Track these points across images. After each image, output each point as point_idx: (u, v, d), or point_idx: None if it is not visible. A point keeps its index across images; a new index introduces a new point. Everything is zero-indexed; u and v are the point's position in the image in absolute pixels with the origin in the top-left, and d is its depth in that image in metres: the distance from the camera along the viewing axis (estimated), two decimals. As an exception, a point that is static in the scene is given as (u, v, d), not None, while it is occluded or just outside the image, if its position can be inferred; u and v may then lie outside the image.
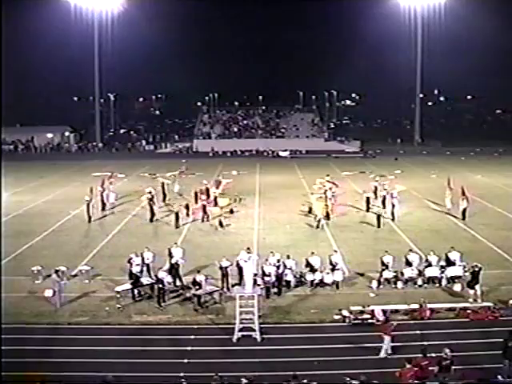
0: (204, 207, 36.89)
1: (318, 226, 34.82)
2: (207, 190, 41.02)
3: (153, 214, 37.24)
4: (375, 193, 41.99)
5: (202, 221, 36.42)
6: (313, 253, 25.82)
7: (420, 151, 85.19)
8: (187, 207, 38.25)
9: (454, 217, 37.23)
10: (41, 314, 21.95)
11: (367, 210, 39.21)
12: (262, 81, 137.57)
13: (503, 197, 44.82)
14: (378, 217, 35.50)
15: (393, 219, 36.21)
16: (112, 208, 41.21)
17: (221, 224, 35.27)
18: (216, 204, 38.85)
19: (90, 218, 37.05)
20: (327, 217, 36.04)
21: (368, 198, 39.94)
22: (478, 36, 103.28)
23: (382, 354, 18.52)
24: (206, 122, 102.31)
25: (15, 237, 32.61)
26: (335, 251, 26.70)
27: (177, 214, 35.63)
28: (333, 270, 24.79)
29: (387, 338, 18.66)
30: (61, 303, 22.54)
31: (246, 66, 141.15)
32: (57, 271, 23.48)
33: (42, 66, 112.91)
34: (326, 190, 39.88)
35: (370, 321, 20.87)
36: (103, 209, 40.18)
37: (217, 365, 17.55)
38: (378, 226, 35.03)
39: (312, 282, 24.43)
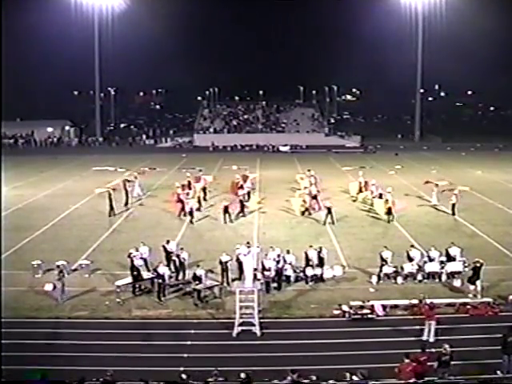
0: (242, 202, 37.10)
1: (325, 223, 34.53)
2: (241, 185, 41.26)
3: (183, 209, 36.67)
4: (361, 189, 41.88)
5: (237, 216, 36.32)
6: (311, 246, 25.81)
7: (420, 147, 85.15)
8: (199, 201, 38.55)
9: (444, 211, 37.39)
10: (41, 308, 21.99)
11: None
12: (263, 75, 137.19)
13: (503, 192, 44.83)
14: (389, 211, 35.37)
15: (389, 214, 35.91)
16: (136, 201, 41.16)
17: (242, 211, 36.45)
18: (249, 199, 38.91)
19: (111, 211, 36.95)
20: (304, 213, 36.21)
21: (381, 195, 39.46)
22: (479, 31, 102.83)
23: (432, 339, 18.76)
24: (207, 116, 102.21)
25: (15, 231, 32.61)
26: (310, 246, 26.10)
27: (191, 210, 35.56)
28: (318, 265, 24.82)
29: (433, 323, 18.88)
30: (63, 298, 22.48)
31: (246, 60, 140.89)
32: (59, 267, 23.35)
33: (42, 60, 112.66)
34: (309, 186, 40.37)
35: (369, 316, 20.91)
36: (126, 203, 39.94)
37: (216, 359, 17.58)
38: (388, 222, 34.92)
39: (311, 276, 24.46)
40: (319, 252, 25.47)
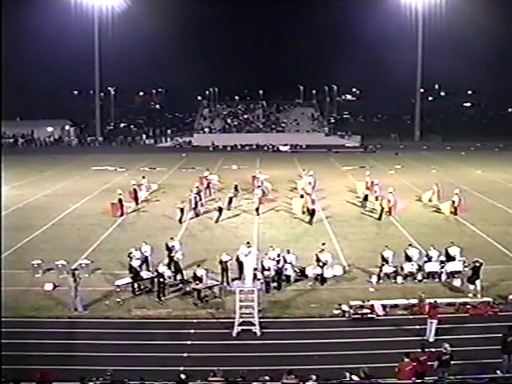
0: (260, 201, 37.77)
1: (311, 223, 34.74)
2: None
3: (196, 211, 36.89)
4: (368, 188, 41.86)
5: (258, 213, 36.85)
6: (322, 250, 25.36)
7: (420, 146, 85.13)
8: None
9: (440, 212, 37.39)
10: (41, 307, 21.96)
11: (363, 207, 39.23)
12: (263, 75, 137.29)
13: (503, 192, 44.82)
14: (382, 210, 35.58)
15: (389, 214, 36.09)
16: (144, 201, 41.22)
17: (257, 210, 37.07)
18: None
19: (122, 212, 36.83)
20: (308, 213, 35.91)
21: (366, 195, 39.81)
22: (479, 31, 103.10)
23: (432, 338, 18.77)
24: (207, 116, 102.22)
25: (15, 230, 32.55)
26: (323, 249, 25.76)
27: (182, 209, 35.59)
28: (321, 266, 24.76)
29: (434, 322, 18.91)
30: (83, 307, 21.68)
31: (246, 60, 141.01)
32: (73, 272, 22.36)
33: (42, 59, 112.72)
34: (304, 186, 40.91)
35: (369, 315, 20.90)
36: (136, 203, 39.79)
37: (216, 359, 17.59)
38: (379, 219, 35.25)
39: (312, 276, 24.42)
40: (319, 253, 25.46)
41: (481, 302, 21.74)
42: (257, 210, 37.02)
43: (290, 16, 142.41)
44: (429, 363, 16.01)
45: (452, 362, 16.16)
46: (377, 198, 38.53)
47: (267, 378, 15.42)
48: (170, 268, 24.24)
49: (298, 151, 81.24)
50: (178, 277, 24.27)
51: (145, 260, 25.12)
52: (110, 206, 36.95)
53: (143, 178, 44.02)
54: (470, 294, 22.37)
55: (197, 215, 36.47)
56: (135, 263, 24.01)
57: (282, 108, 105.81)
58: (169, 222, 35.29)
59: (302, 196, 39.31)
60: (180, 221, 35.10)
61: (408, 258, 25.16)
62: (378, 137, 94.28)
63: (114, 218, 36.23)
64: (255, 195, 38.62)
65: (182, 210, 35.48)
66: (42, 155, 75.14)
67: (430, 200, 39.86)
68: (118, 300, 22.36)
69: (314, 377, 15.20)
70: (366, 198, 39.62)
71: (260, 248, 26.89)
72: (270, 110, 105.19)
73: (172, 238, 27.02)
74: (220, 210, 35.74)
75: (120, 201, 36.97)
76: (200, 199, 38.15)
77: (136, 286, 23.38)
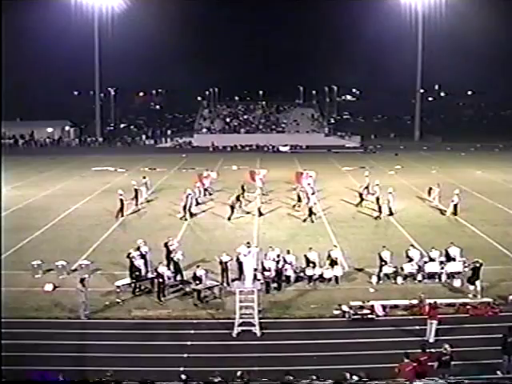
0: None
1: (305, 220, 35.02)
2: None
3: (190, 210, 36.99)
4: (367, 188, 41.82)
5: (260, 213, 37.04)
6: (310, 248, 25.72)
7: (420, 147, 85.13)
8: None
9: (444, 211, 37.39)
10: (41, 308, 21.96)
11: (357, 205, 39.33)
12: (263, 75, 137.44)
13: (503, 192, 44.80)
14: (379, 207, 35.74)
15: (390, 214, 36.14)
16: (144, 202, 41.21)
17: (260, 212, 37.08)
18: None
19: (122, 213, 36.69)
20: (310, 213, 35.94)
21: (361, 194, 39.99)
22: (479, 31, 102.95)
23: (432, 339, 18.73)
24: (207, 116, 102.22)
25: (15, 231, 32.56)
26: (335, 246, 26.80)
27: (184, 207, 35.82)
28: (331, 265, 24.77)
29: (434, 323, 18.90)
30: (86, 315, 21.22)
31: (246, 60, 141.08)
32: (82, 280, 21.82)
33: (42, 60, 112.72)
34: (306, 186, 41.07)
35: (369, 316, 20.89)
36: (136, 203, 39.70)
37: (216, 359, 17.60)
38: (379, 219, 35.42)
39: (311, 277, 24.39)
40: (330, 252, 25.59)
41: (481, 303, 21.74)
42: (259, 210, 37.02)
43: (290, 16, 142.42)
44: (429, 364, 16.00)
45: (452, 363, 16.15)
46: (377, 199, 38.55)
47: (264, 379, 15.44)
48: (169, 268, 24.26)
49: (298, 152, 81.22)
50: (178, 277, 24.29)
51: (144, 260, 25.07)
52: (116, 211, 36.84)
53: (144, 178, 44.08)
54: (470, 295, 22.38)
55: (191, 215, 36.44)
56: (138, 263, 23.93)
57: (281, 108, 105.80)
58: (169, 223, 35.29)
59: (299, 205, 39.40)
60: (185, 218, 35.44)
61: (409, 259, 25.12)
62: (378, 137, 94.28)
63: (114, 218, 36.23)
64: (257, 195, 38.64)
65: (184, 208, 35.75)
66: (42, 156, 75.07)
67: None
68: (118, 301, 22.36)
69: (314, 377, 15.20)
70: (361, 196, 39.74)
71: (260, 248, 26.86)
72: (270, 111, 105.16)
73: (171, 238, 27.01)
74: (232, 207, 35.87)
75: (121, 201, 36.99)
76: (196, 199, 38.36)
77: (136, 286, 23.38)
